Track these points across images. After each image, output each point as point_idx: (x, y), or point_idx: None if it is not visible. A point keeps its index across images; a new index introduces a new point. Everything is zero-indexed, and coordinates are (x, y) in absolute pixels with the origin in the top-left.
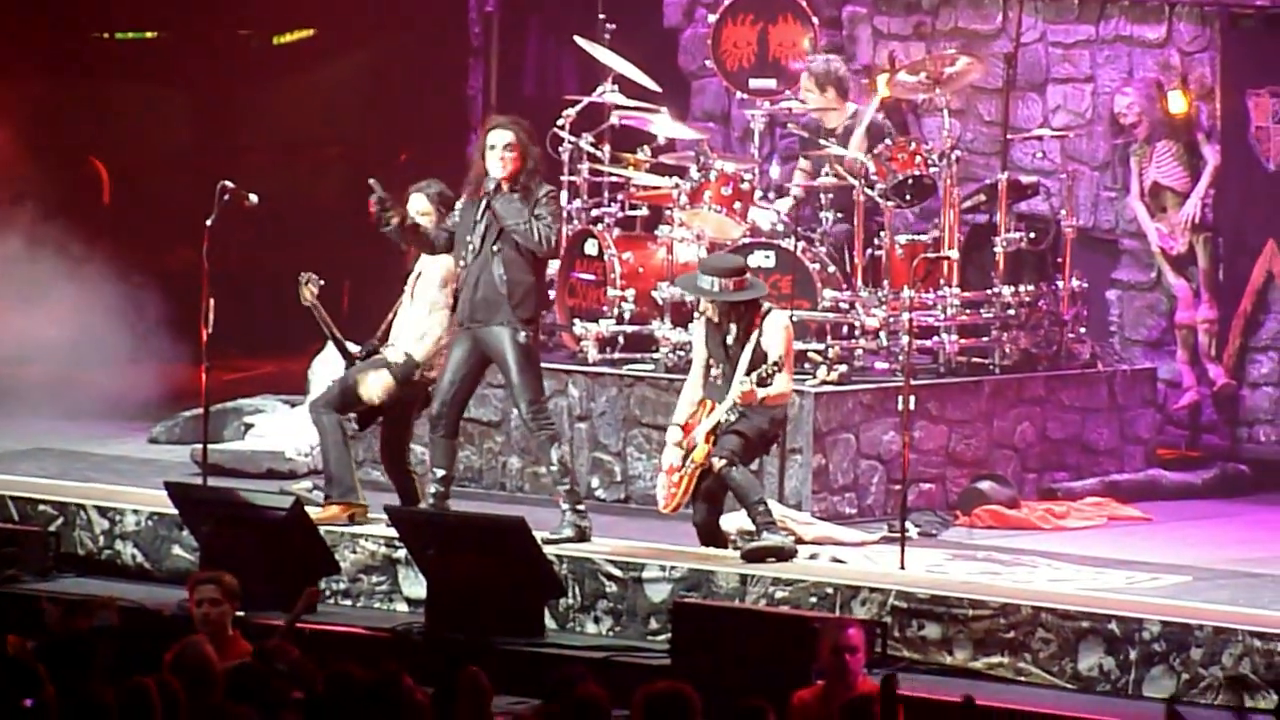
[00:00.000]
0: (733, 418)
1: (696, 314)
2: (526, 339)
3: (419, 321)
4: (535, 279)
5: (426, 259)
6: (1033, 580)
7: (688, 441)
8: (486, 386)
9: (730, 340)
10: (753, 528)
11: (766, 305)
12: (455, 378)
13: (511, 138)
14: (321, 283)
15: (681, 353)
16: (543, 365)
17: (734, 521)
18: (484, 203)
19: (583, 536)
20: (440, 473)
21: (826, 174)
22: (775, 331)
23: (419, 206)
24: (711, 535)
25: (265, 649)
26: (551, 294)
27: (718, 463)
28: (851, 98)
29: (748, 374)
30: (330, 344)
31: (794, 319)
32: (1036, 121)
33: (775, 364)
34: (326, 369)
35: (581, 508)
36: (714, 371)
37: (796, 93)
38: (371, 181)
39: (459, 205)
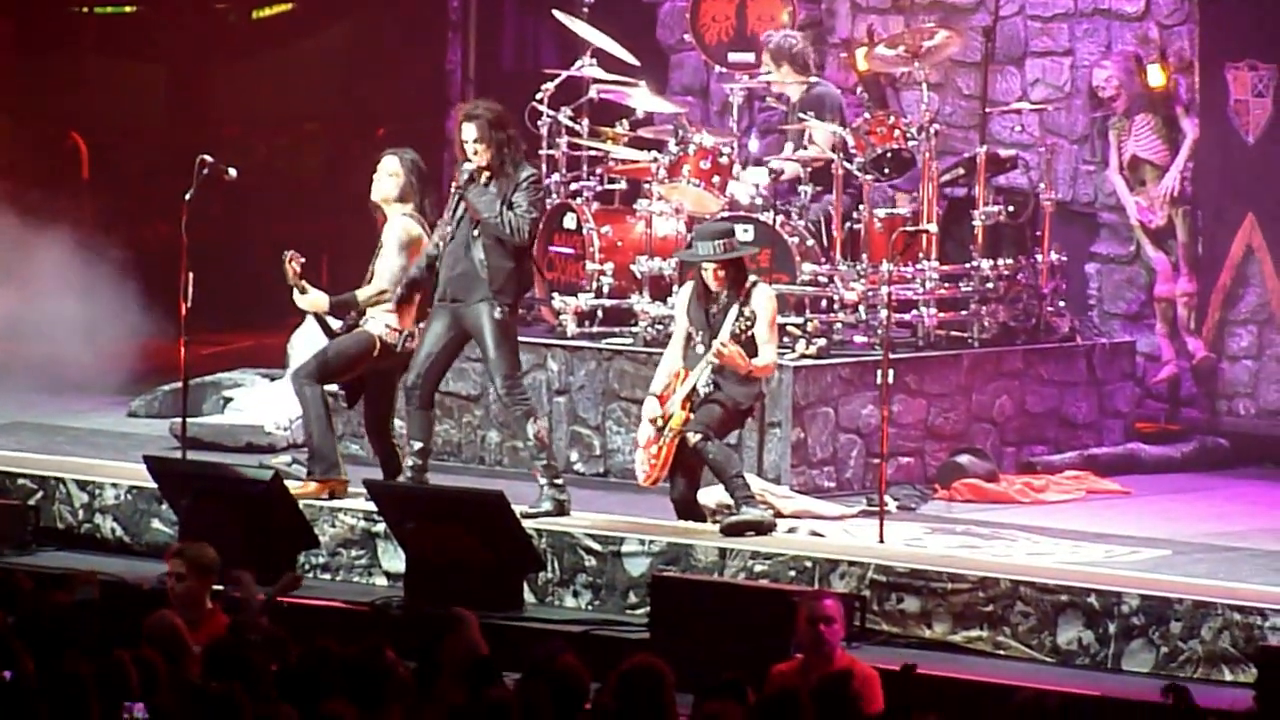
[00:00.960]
0: (710, 388)
1: (676, 288)
2: (504, 314)
3: (373, 285)
4: (515, 264)
5: (386, 228)
6: (1011, 554)
7: (664, 410)
8: (465, 360)
9: (715, 309)
10: (731, 501)
11: (753, 278)
12: (432, 350)
13: (476, 131)
14: (302, 260)
15: (660, 326)
16: (521, 339)
17: (713, 495)
18: (456, 185)
19: (561, 510)
20: (417, 445)
21: (804, 147)
22: (760, 303)
23: (389, 167)
24: (689, 509)
25: (236, 622)
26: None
27: (692, 437)
28: (822, 72)
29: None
30: (310, 319)
31: (771, 284)
32: (1015, 95)
33: (748, 318)
34: (305, 343)
35: (559, 481)
36: (695, 339)
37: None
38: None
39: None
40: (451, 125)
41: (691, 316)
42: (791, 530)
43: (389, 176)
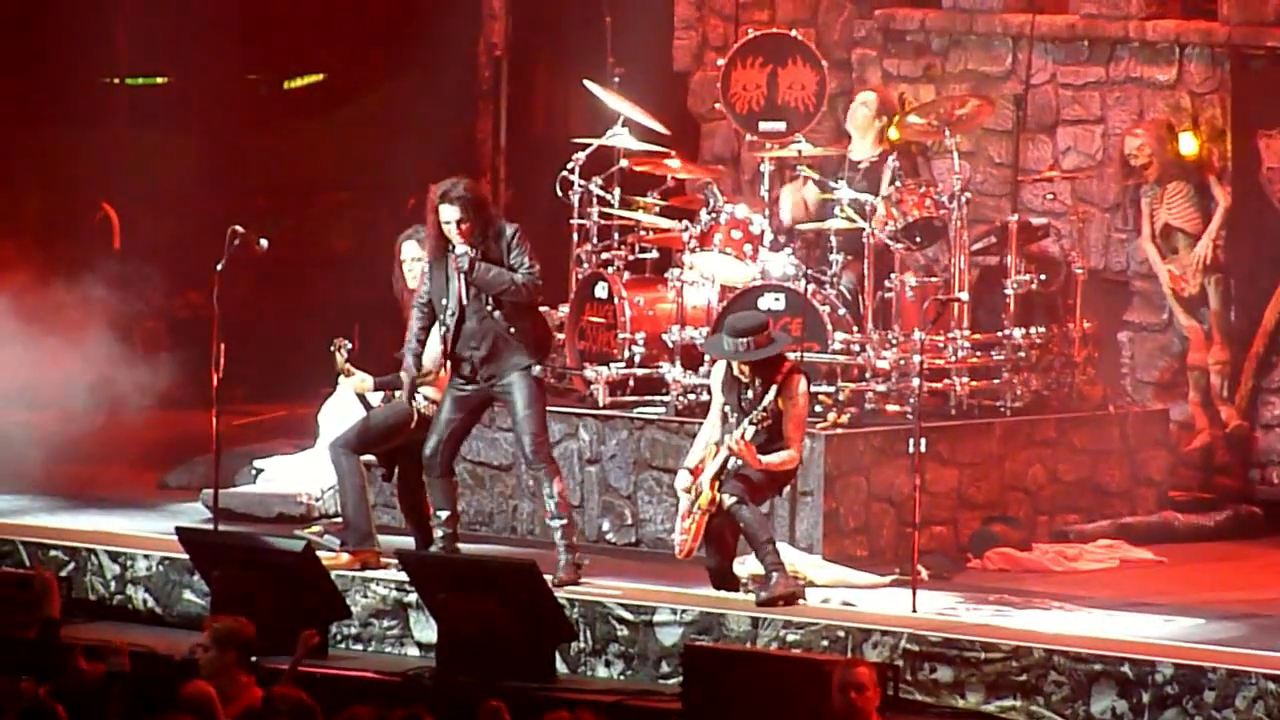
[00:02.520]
0: (741, 463)
1: (708, 358)
2: (539, 373)
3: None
4: (533, 320)
5: None
6: (1045, 623)
7: (695, 487)
8: (497, 430)
9: (749, 394)
10: (763, 572)
11: (790, 364)
12: (452, 417)
13: (459, 211)
14: (349, 345)
15: (692, 396)
16: (553, 409)
17: (749, 567)
18: (456, 270)
19: (577, 572)
20: (445, 514)
21: (838, 215)
22: (791, 393)
23: (412, 253)
24: (723, 579)
25: (269, 695)
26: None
27: (727, 500)
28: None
29: (757, 434)
30: (347, 391)
31: (802, 358)
32: (1047, 163)
33: (764, 410)
34: (337, 413)
35: (577, 544)
36: (730, 418)
37: (807, 134)
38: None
39: (425, 266)
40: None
41: (727, 397)
42: (824, 600)
43: (415, 262)
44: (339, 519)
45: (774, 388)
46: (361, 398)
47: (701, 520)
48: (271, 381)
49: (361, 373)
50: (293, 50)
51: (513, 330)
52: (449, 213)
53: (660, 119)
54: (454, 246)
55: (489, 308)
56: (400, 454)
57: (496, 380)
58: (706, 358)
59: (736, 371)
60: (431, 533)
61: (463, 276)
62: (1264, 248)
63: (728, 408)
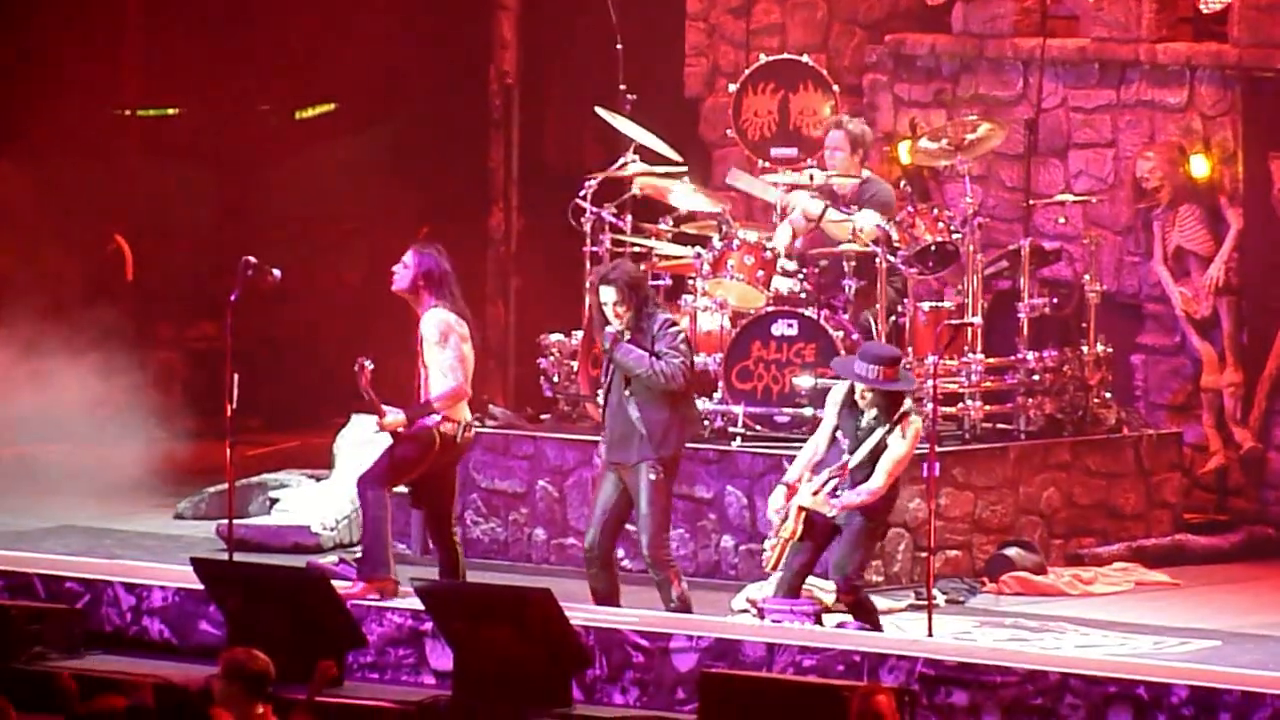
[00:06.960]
0: (831, 512)
1: (720, 383)
2: (658, 475)
3: (436, 384)
4: (672, 411)
5: (421, 324)
6: (1060, 646)
7: (784, 510)
8: (511, 458)
9: (863, 423)
10: (753, 600)
11: (908, 406)
12: (605, 508)
13: (615, 294)
14: (371, 366)
15: (705, 421)
16: (566, 436)
17: (761, 590)
18: (603, 349)
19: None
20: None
21: (850, 241)
22: (899, 438)
23: (404, 259)
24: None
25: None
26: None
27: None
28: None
29: (861, 466)
30: (368, 423)
31: (921, 403)
32: (1058, 187)
33: (863, 459)
34: (352, 443)
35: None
36: (841, 443)
37: (820, 159)
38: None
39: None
40: (494, 223)
41: (841, 421)
42: (840, 625)
43: (404, 269)
44: (355, 548)
45: (886, 428)
46: (393, 435)
47: (783, 546)
48: (285, 411)
49: (393, 410)
50: (304, 80)
51: (641, 419)
52: (607, 294)
53: (672, 145)
54: (608, 329)
55: (626, 393)
56: (427, 480)
57: (622, 467)
58: (719, 382)
59: (858, 396)
60: (456, 561)
61: (608, 353)
62: (1276, 269)
63: (840, 432)
